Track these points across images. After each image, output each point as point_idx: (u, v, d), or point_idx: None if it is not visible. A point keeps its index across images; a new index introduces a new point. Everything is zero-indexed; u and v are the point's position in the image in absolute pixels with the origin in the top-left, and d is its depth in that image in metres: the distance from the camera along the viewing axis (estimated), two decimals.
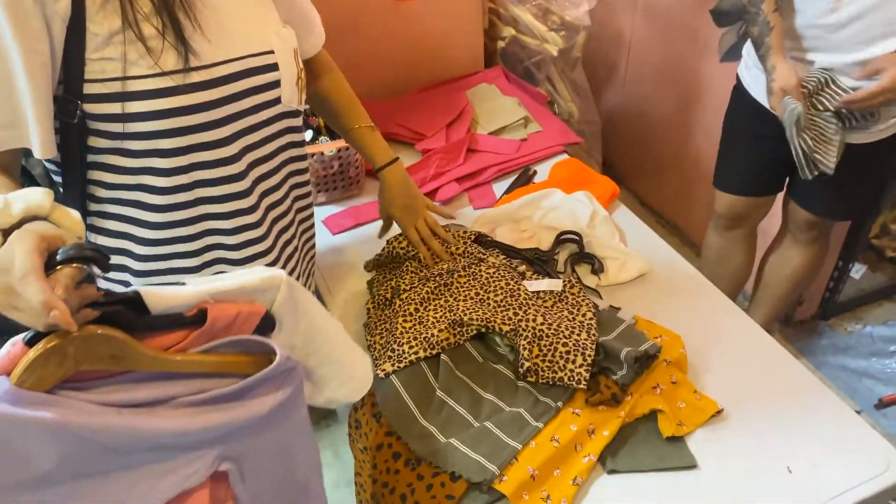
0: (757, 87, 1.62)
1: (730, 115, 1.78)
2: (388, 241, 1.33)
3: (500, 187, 1.65)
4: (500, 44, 2.00)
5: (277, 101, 0.95)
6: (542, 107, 1.91)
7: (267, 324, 0.72)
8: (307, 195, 1.13)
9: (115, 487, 0.66)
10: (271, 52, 0.93)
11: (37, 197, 0.66)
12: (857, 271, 2.34)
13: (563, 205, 1.49)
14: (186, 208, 0.91)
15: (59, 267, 0.60)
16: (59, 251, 0.61)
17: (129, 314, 0.64)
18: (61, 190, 0.90)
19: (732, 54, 2.18)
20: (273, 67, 0.93)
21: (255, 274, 0.70)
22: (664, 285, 1.33)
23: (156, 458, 0.67)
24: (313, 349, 0.78)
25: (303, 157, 1.08)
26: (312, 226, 1.18)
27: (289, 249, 1.07)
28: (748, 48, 1.64)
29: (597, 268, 1.33)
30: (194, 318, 0.67)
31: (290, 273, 1.07)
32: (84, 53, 0.79)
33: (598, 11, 2.30)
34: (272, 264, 1.01)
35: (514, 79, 1.98)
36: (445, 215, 1.38)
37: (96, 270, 0.64)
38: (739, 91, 1.70)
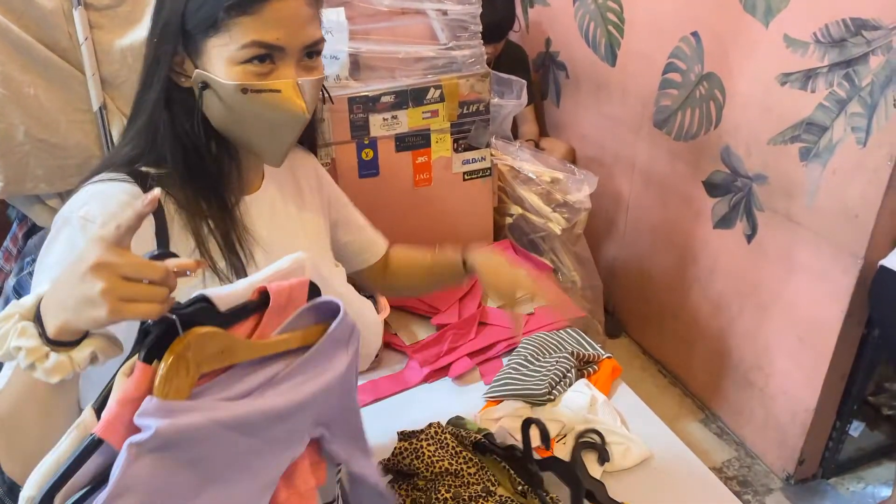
0: None
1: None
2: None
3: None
4: (508, 220, 2.17)
5: None
6: (547, 277, 2.05)
7: (315, 292, 0.78)
8: None
9: (255, 469, 0.72)
10: None
11: None
12: (856, 429, 2.40)
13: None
14: None
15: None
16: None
17: (208, 312, 0.68)
18: None
19: (724, 223, 2.35)
20: None
21: (283, 261, 0.76)
22: (665, 474, 1.40)
23: (278, 436, 0.73)
24: None
25: None
26: None
27: None
28: None
29: (604, 457, 1.40)
30: (258, 303, 0.73)
31: None
32: None
33: (599, 172, 2.48)
34: None
35: (521, 251, 2.14)
36: None
37: None
38: None
